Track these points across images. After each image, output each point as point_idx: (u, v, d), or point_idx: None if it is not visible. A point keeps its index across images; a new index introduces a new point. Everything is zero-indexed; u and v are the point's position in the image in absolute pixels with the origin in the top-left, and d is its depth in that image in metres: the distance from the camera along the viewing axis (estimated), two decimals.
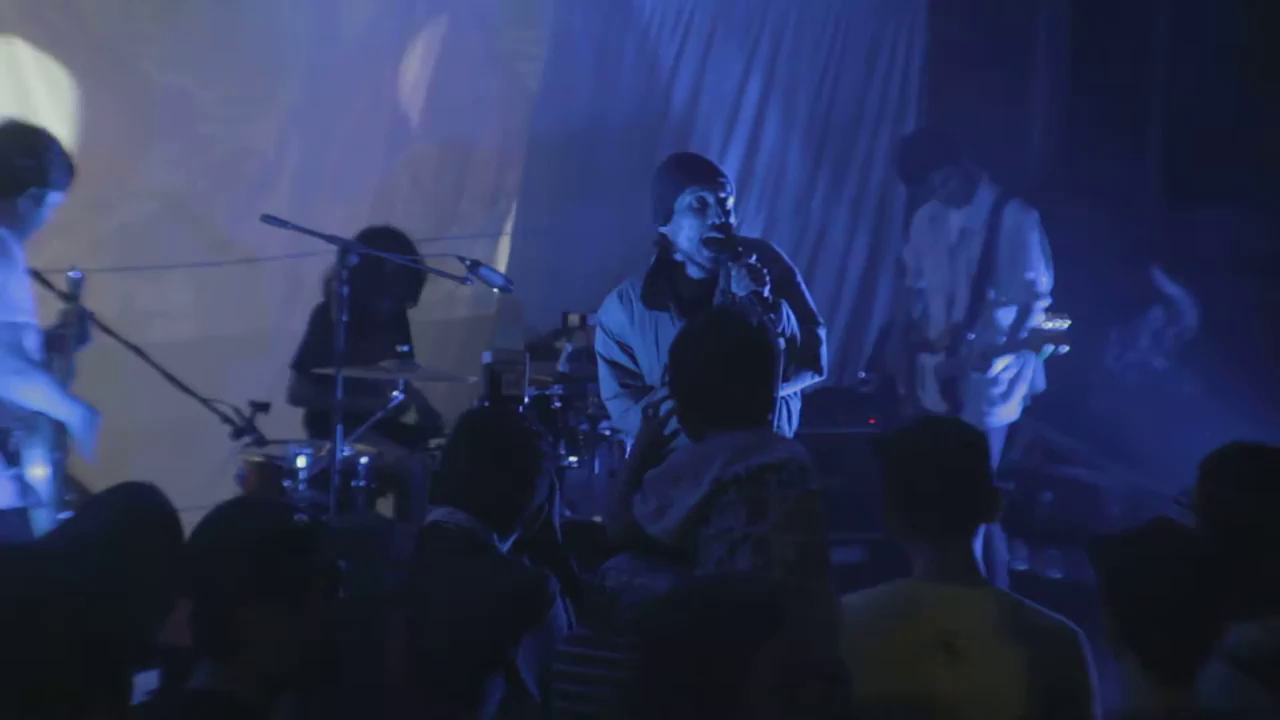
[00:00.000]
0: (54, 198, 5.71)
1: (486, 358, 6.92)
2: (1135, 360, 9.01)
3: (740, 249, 5.42)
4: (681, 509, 4.27)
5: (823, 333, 5.60)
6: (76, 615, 2.41)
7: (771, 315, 5.18)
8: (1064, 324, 7.38)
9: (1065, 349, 7.39)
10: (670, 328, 5.47)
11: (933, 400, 7.80)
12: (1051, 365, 7.66)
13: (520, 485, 4.59)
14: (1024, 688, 3.91)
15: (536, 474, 4.61)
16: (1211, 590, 3.50)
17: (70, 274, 5.86)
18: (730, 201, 5.53)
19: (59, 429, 5.61)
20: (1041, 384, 7.78)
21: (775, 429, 5.10)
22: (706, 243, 5.43)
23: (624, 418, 5.66)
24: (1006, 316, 7.63)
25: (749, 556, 4.15)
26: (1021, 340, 7.55)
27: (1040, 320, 7.47)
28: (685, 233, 5.52)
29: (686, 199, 5.48)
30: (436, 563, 4.40)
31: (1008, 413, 7.75)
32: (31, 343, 5.57)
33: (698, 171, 5.61)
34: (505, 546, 4.56)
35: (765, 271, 5.27)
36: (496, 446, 4.60)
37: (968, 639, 3.95)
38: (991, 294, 7.61)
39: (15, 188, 5.60)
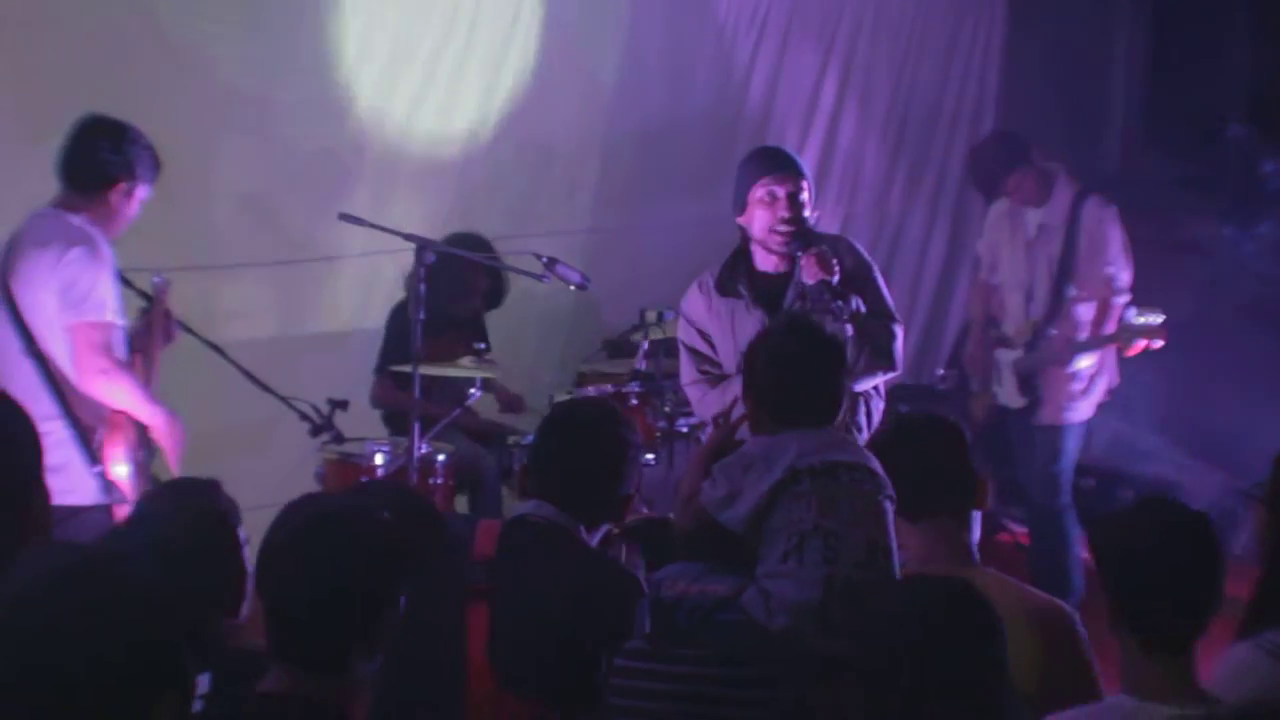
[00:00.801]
0: (143, 191, 5.76)
1: None
2: None
3: (810, 240, 5.49)
4: (753, 496, 4.17)
5: (898, 329, 5.63)
6: (138, 615, 2.40)
7: (839, 303, 5.27)
8: (1158, 319, 7.27)
9: (1160, 344, 7.29)
10: (745, 315, 5.62)
11: (1010, 395, 7.74)
12: (1135, 360, 7.58)
13: (609, 474, 4.46)
14: (1022, 667, 3.88)
15: (624, 463, 4.50)
16: (1202, 564, 3.53)
17: (155, 279, 5.92)
18: (805, 194, 5.58)
19: (142, 428, 5.65)
20: (1116, 379, 7.72)
21: (854, 425, 5.21)
22: (777, 233, 5.51)
23: (701, 404, 5.79)
24: (1086, 312, 7.56)
25: (819, 550, 4.05)
26: (1109, 336, 7.47)
27: (1131, 316, 7.37)
28: (758, 223, 5.62)
29: (759, 191, 5.57)
30: (520, 557, 4.24)
31: (1087, 408, 7.69)
32: (118, 343, 5.61)
33: (770, 164, 5.70)
34: (595, 539, 4.47)
35: (835, 261, 5.36)
36: (585, 436, 4.49)
37: None
38: (1071, 290, 7.55)
39: (106, 183, 5.65)
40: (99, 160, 5.66)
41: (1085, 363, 7.57)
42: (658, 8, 9.31)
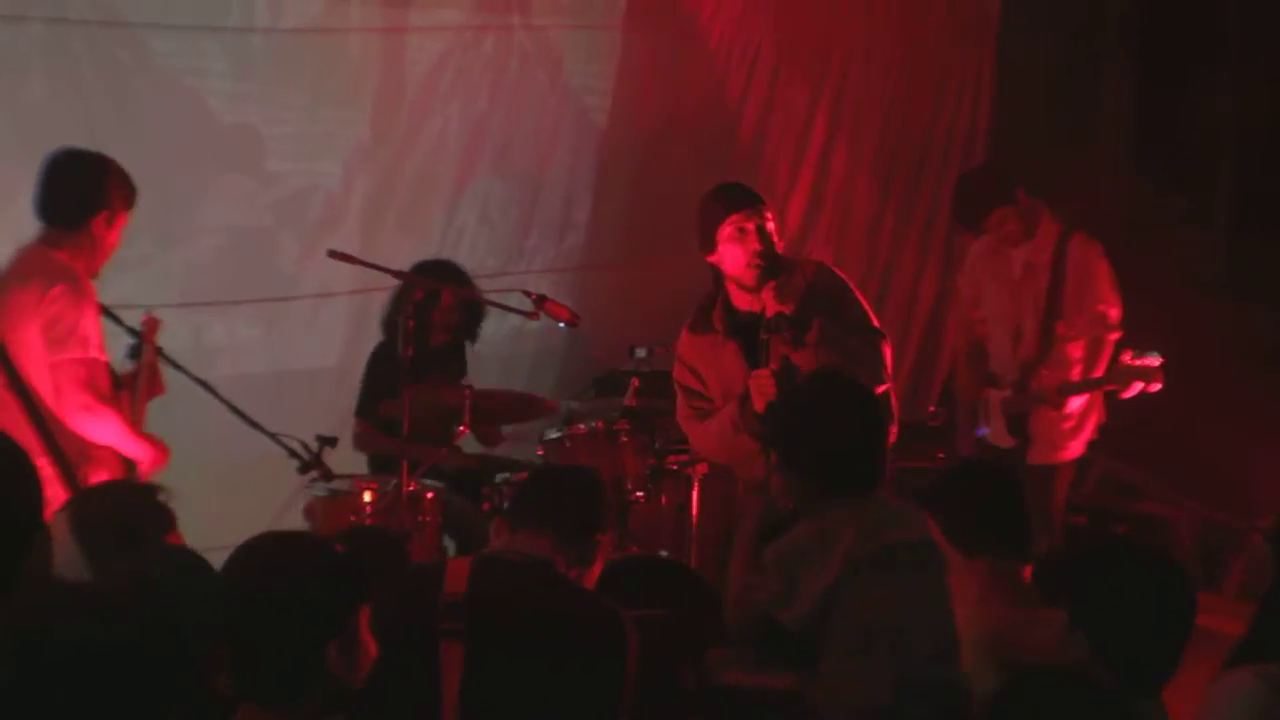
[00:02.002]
0: (123, 218, 5.77)
1: None
2: None
3: (779, 269, 5.53)
4: (812, 592, 3.99)
5: (881, 343, 5.64)
6: (134, 658, 2.38)
7: (794, 331, 5.25)
8: (1155, 361, 7.20)
9: (1157, 387, 7.23)
10: (721, 348, 5.72)
11: (999, 435, 7.69)
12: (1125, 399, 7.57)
13: (594, 509, 4.28)
14: None
15: (603, 496, 4.35)
16: (1171, 607, 3.55)
17: (142, 317, 5.92)
18: (771, 224, 5.63)
19: (128, 464, 5.64)
20: (1104, 416, 7.68)
21: None
22: (752, 268, 5.51)
23: (695, 439, 5.97)
24: (1076, 350, 7.52)
25: (886, 649, 3.93)
26: (1104, 379, 7.42)
27: (1127, 357, 7.30)
28: (730, 260, 5.67)
29: (727, 229, 5.60)
30: (497, 594, 3.98)
31: (1078, 446, 7.66)
32: (101, 379, 5.60)
33: (735, 200, 5.78)
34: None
35: (792, 292, 5.37)
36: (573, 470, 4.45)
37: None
38: (1061, 329, 7.52)
39: (86, 215, 5.66)
40: (76, 193, 5.69)
41: (1079, 400, 7.54)
42: (648, 44, 9.32)
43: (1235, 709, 3.54)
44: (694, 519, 7.03)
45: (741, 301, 5.77)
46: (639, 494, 6.95)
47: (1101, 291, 7.47)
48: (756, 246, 5.60)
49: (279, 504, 6.97)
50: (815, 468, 4.22)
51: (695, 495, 6.94)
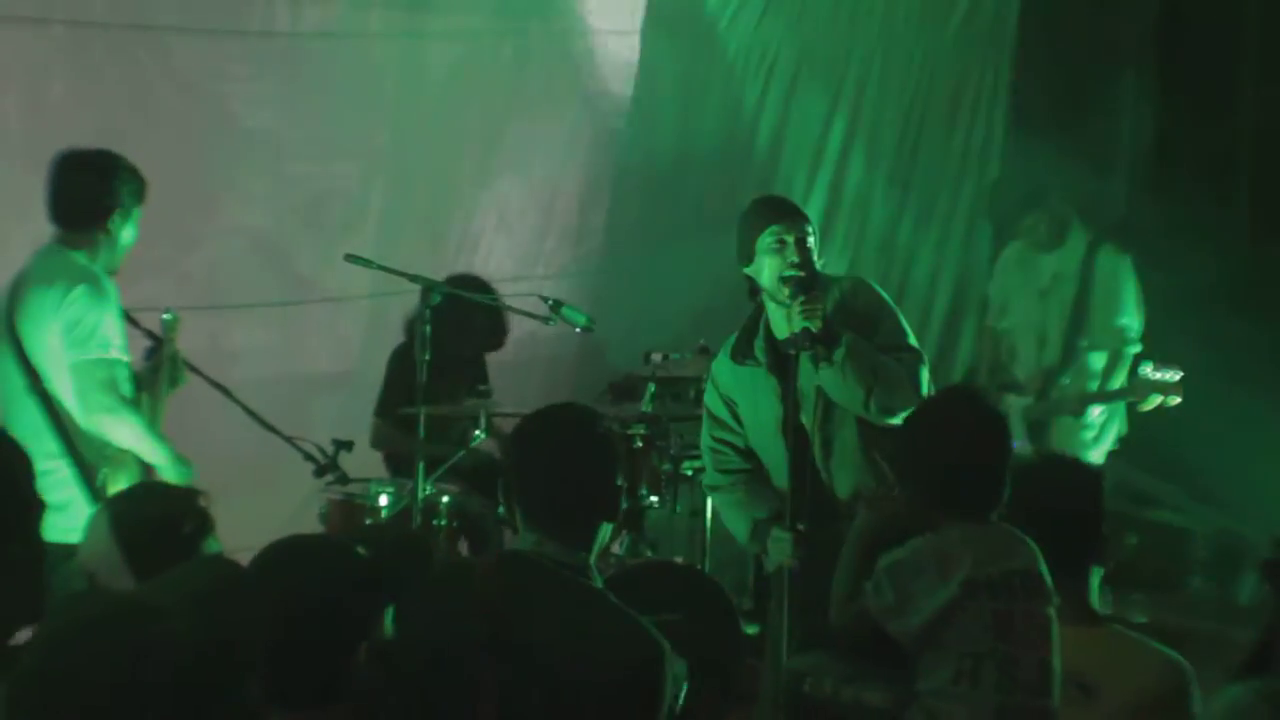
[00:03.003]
0: (137, 213, 5.75)
1: None
2: None
3: (814, 285, 5.40)
4: (928, 607, 3.94)
5: (916, 362, 5.51)
6: (178, 669, 2.33)
7: (819, 348, 5.17)
8: (1175, 375, 7.20)
9: (1177, 400, 7.24)
10: (763, 385, 5.47)
11: (1018, 443, 7.72)
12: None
13: (606, 482, 3.84)
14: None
15: (616, 461, 3.90)
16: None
17: (164, 315, 5.91)
18: (811, 240, 5.50)
19: (147, 468, 5.64)
20: (1124, 427, 7.70)
21: None
22: (785, 280, 5.39)
23: (716, 489, 5.72)
24: (1098, 361, 7.54)
25: (993, 675, 3.88)
26: (1121, 391, 7.43)
27: (1147, 370, 7.30)
28: (766, 272, 5.48)
29: (767, 239, 5.46)
30: (527, 604, 3.65)
31: (1097, 457, 7.67)
32: (123, 380, 5.62)
33: (777, 211, 5.58)
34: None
35: (820, 308, 5.25)
36: (574, 447, 3.87)
37: (1097, 676, 4.04)
38: (1083, 341, 7.53)
39: (101, 214, 5.65)
40: (86, 195, 5.66)
41: (1097, 411, 7.56)
42: (667, 50, 9.34)
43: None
44: (708, 525, 7.05)
45: (781, 330, 5.53)
46: (654, 499, 6.96)
47: (1125, 305, 7.49)
48: (795, 259, 5.49)
49: (295, 507, 7.01)
50: (935, 483, 4.17)
51: (709, 501, 6.96)
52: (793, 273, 5.36)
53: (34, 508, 3.01)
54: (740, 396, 5.59)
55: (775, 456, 5.49)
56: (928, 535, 4.07)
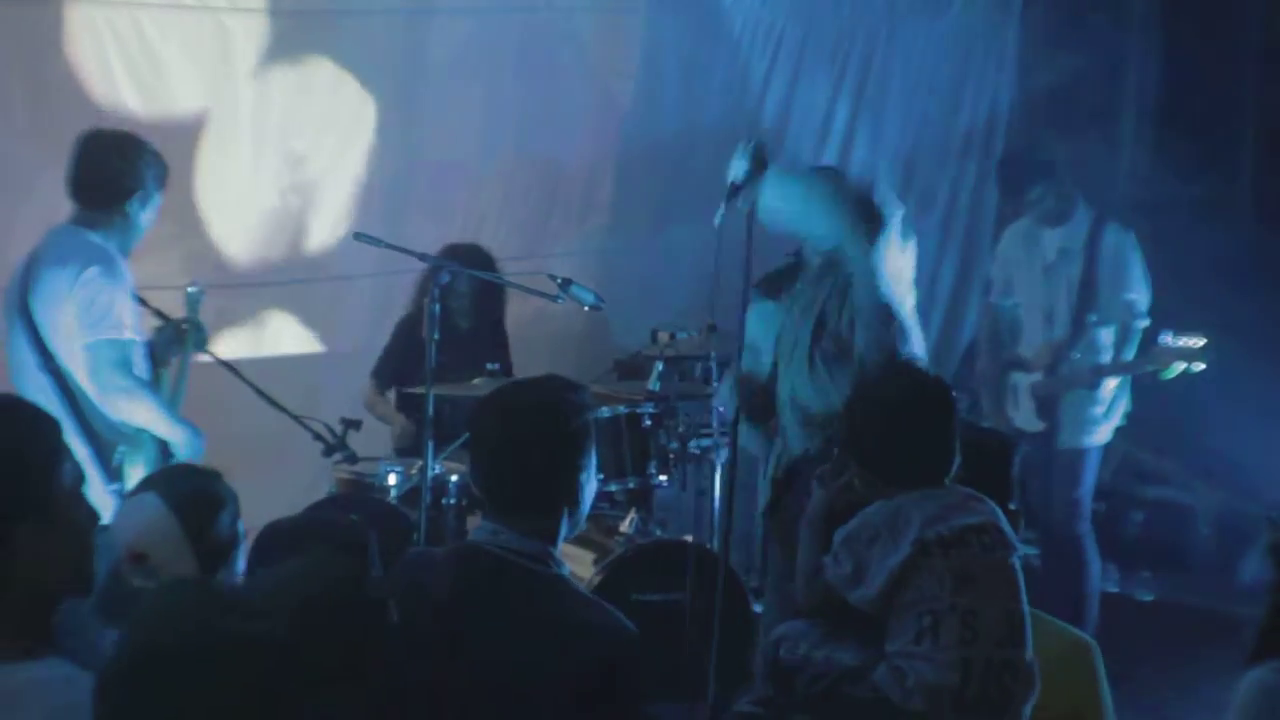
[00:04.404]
0: (156, 199, 5.77)
1: None
2: None
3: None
4: (881, 572, 3.98)
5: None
6: (266, 671, 2.31)
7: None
8: (1199, 342, 7.22)
9: (1201, 366, 7.25)
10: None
11: (1026, 419, 7.70)
12: (1145, 384, 7.58)
13: (566, 473, 3.65)
14: (1049, 698, 4.04)
15: (580, 455, 3.68)
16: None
17: (189, 289, 5.93)
18: None
19: (163, 447, 5.66)
20: (1130, 404, 7.71)
21: None
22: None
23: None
24: (1107, 336, 7.55)
25: (955, 630, 3.91)
26: (1143, 360, 7.43)
27: (1168, 338, 7.32)
28: None
29: None
30: (481, 601, 3.51)
31: (1105, 433, 7.68)
32: (138, 360, 5.63)
33: None
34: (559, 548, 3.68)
35: None
36: (525, 435, 3.64)
37: None
38: (1092, 316, 7.54)
39: (121, 196, 5.66)
40: (111, 174, 5.67)
41: (1111, 385, 7.56)
42: (672, 27, 9.33)
43: (1262, 709, 3.57)
44: (717, 503, 7.06)
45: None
46: (663, 478, 6.96)
47: (1132, 280, 7.50)
48: None
49: (303, 486, 7.02)
50: (882, 458, 4.22)
51: (717, 479, 6.96)
52: None
53: (69, 471, 3.00)
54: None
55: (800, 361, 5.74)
56: (879, 503, 4.12)
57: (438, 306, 6.17)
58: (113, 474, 5.53)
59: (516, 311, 8.01)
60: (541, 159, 9.01)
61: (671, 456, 6.99)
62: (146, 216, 5.76)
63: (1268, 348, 8.41)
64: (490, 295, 7.66)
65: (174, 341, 5.86)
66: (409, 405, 7.41)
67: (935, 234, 10.22)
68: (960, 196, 10.26)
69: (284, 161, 7.92)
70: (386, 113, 8.26)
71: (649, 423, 6.94)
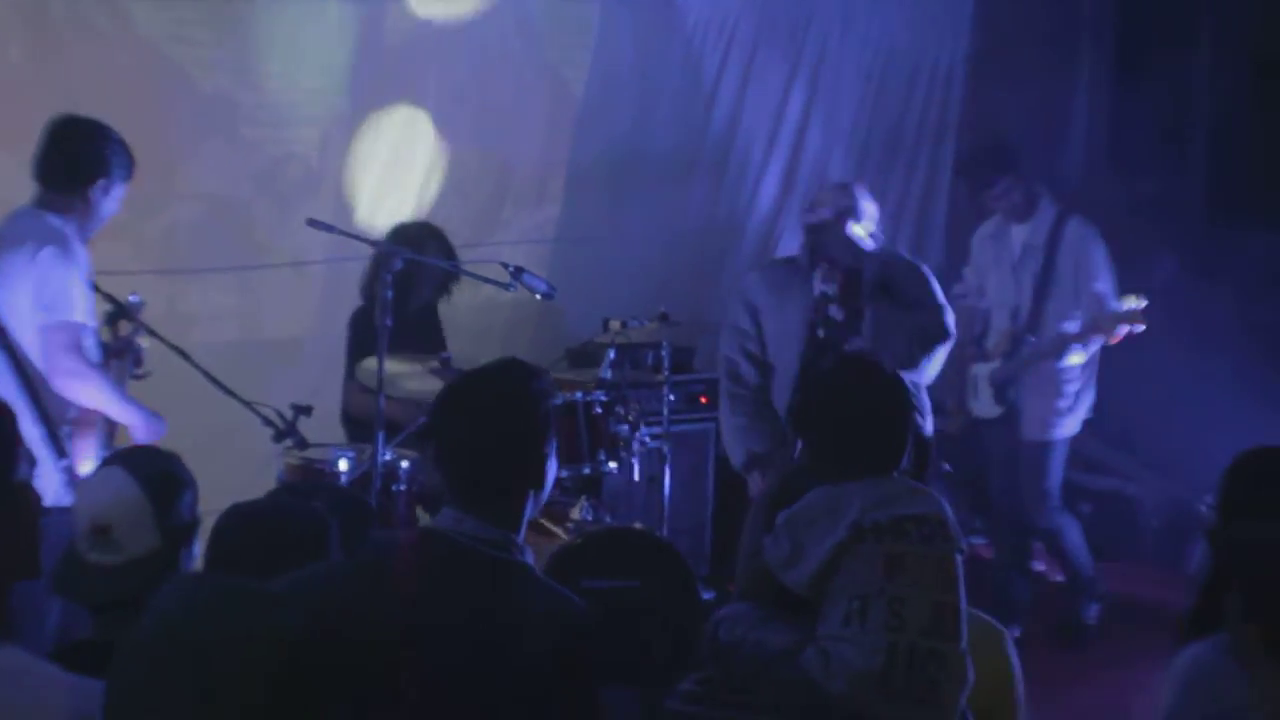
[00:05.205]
0: (119, 190, 5.80)
1: None
2: None
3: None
4: (816, 556, 4.00)
5: (943, 312, 6.51)
6: (285, 661, 2.28)
7: (833, 308, 5.65)
8: (1140, 303, 7.34)
9: (1141, 328, 7.34)
10: (801, 280, 6.51)
11: (985, 406, 7.80)
12: (1093, 374, 7.66)
13: (531, 456, 3.64)
14: None
15: (544, 438, 3.67)
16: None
17: (131, 298, 5.94)
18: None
19: (113, 428, 5.68)
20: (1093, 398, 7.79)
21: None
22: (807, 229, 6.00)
23: (727, 396, 6.69)
24: (1072, 327, 7.60)
25: (883, 615, 3.91)
26: (1087, 330, 7.49)
27: (1113, 304, 7.42)
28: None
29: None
30: (445, 591, 3.48)
31: (1071, 425, 7.75)
32: (89, 343, 5.64)
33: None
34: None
35: (838, 274, 5.77)
36: (493, 420, 3.65)
37: None
38: (1054, 307, 7.60)
39: (84, 181, 5.69)
40: (77, 158, 5.71)
41: (1077, 359, 7.61)
42: (626, 17, 9.32)
43: (1195, 678, 3.63)
44: (666, 491, 7.09)
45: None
46: (613, 465, 6.98)
47: (1098, 270, 7.56)
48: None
49: (253, 472, 7.00)
50: (833, 446, 4.26)
51: (668, 467, 6.99)
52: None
53: (23, 461, 3.01)
54: (768, 300, 6.40)
55: (790, 359, 6.30)
56: (823, 487, 4.14)
57: (390, 292, 6.19)
58: (60, 451, 5.54)
59: (468, 300, 8.00)
60: (495, 148, 9.00)
61: (622, 444, 7.02)
62: (108, 204, 5.79)
63: (1214, 341, 8.49)
64: (446, 274, 7.66)
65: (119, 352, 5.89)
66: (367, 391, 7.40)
67: (886, 226, 10.25)
68: (912, 191, 10.31)
69: (236, 147, 7.90)
70: (340, 99, 8.25)
71: (600, 410, 6.97)
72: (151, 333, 6.01)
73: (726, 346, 6.64)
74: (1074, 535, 7.86)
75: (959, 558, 4.05)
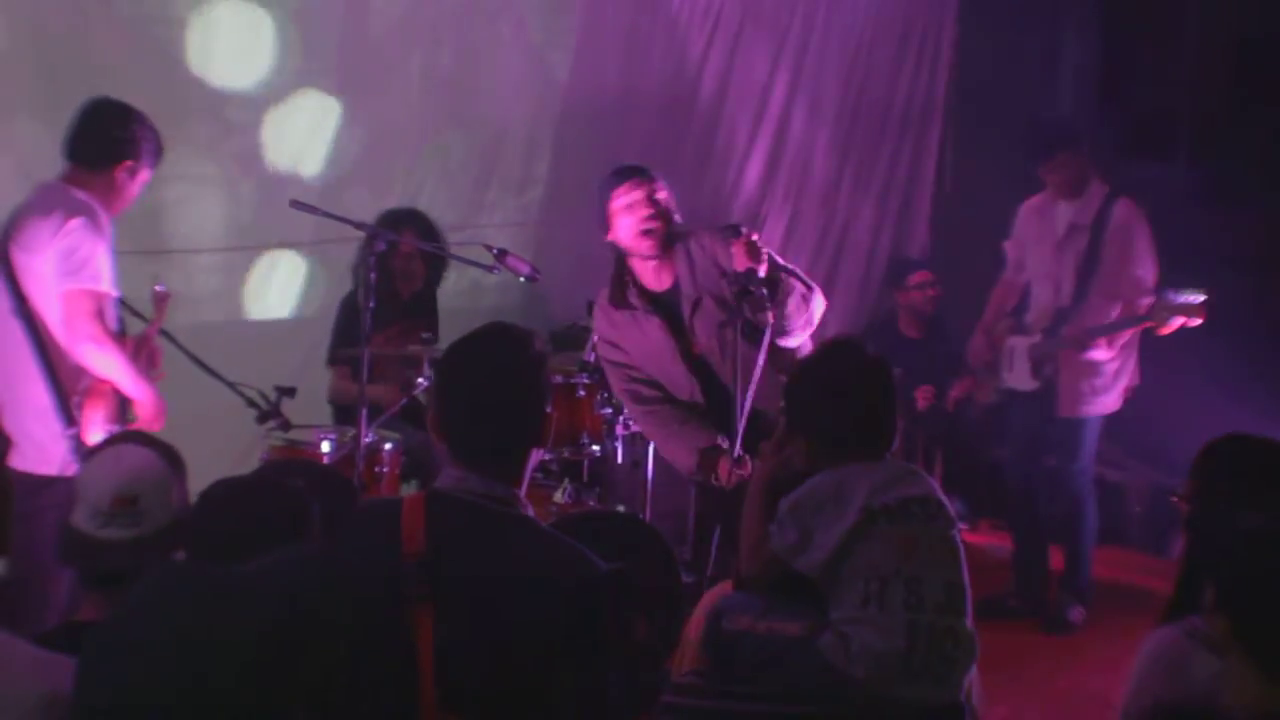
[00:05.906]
0: (145, 174, 5.91)
1: None
2: None
3: (676, 237, 6.06)
4: (828, 540, 4.05)
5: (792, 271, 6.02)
6: (256, 639, 2.29)
7: (763, 290, 5.49)
8: (1198, 298, 7.28)
9: (1197, 321, 7.30)
10: (645, 322, 6.12)
11: (1020, 378, 7.81)
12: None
13: (534, 411, 3.67)
14: None
15: (545, 389, 3.72)
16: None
17: (157, 287, 5.99)
18: (661, 194, 5.91)
19: (124, 402, 5.70)
20: (1137, 379, 7.77)
21: None
22: (645, 235, 5.99)
23: (643, 423, 6.34)
24: (1113, 309, 7.60)
25: (901, 596, 3.97)
26: (1142, 317, 7.46)
27: (1168, 294, 7.37)
28: (624, 232, 6.06)
29: (617, 203, 5.97)
30: (458, 547, 3.47)
31: (1107, 404, 7.74)
32: (110, 313, 5.67)
33: (621, 176, 6.13)
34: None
35: (764, 250, 5.63)
36: (503, 376, 3.67)
37: None
38: (1096, 286, 7.59)
39: (112, 160, 5.80)
40: (108, 138, 5.81)
41: (1103, 353, 7.61)
42: (611, 0, 9.32)
43: (1158, 658, 3.69)
44: (649, 475, 7.08)
45: (653, 281, 6.14)
46: (595, 448, 6.99)
47: (1139, 256, 7.54)
48: (645, 212, 5.95)
49: (237, 453, 6.99)
50: (826, 431, 4.30)
51: (651, 450, 6.99)
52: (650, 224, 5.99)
53: (6, 447, 3.02)
54: (622, 337, 6.15)
55: (677, 381, 6.11)
56: (825, 472, 4.19)
57: (373, 275, 6.20)
58: (69, 419, 5.63)
59: (452, 282, 8.00)
60: (480, 130, 9.00)
61: (605, 426, 7.02)
62: (133, 188, 5.91)
63: (1204, 331, 8.49)
64: (433, 261, 7.67)
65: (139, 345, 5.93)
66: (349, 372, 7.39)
67: (872, 209, 10.26)
68: (897, 173, 10.30)
69: (221, 129, 7.89)
70: (325, 81, 8.24)
71: (583, 393, 6.97)
72: (135, 313, 6.03)
73: (614, 386, 6.40)
74: (1090, 525, 7.84)
75: (957, 535, 4.13)
